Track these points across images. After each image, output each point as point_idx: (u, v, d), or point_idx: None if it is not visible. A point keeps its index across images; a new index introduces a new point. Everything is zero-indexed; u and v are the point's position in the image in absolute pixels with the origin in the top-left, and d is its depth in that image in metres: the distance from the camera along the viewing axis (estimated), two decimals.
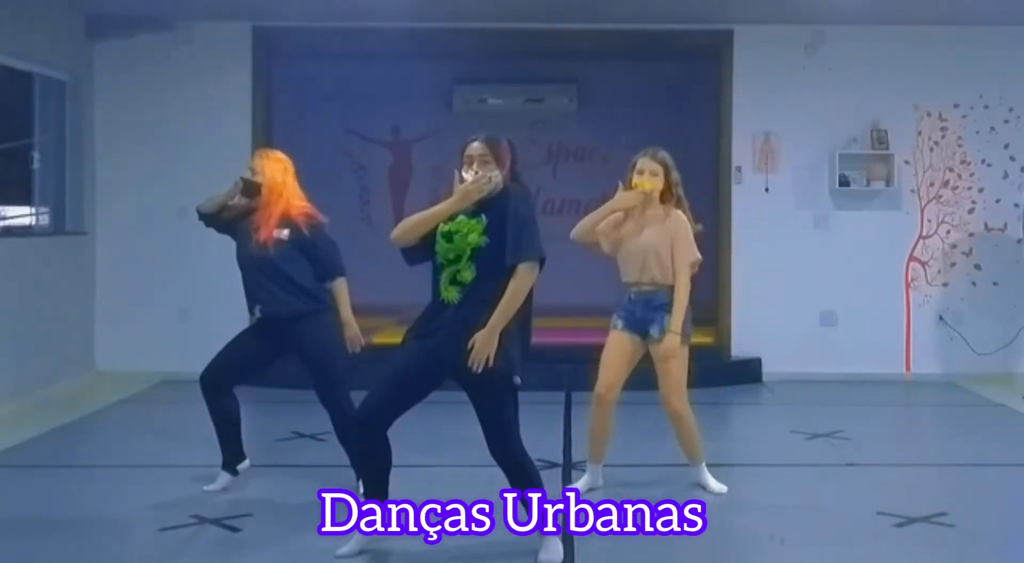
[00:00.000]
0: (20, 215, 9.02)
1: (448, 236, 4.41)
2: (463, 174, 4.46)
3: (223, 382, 5.57)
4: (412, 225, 4.49)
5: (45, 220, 8.94)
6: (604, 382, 5.49)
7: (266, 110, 9.33)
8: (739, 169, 9.29)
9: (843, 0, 8.18)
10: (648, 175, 5.46)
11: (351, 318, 5.54)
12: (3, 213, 9.04)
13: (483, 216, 4.40)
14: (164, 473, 6.13)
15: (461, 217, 4.42)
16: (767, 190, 9.28)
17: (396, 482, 4.64)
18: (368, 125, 11.52)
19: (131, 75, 9.15)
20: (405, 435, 4.64)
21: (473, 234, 4.38)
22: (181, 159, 9.11)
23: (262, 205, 5.54)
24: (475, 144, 4.47)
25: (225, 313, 9.14)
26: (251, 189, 5.57)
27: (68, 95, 8.90)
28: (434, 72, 11.15)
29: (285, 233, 5.48)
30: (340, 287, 5.56)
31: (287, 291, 5.49)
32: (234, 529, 5.00)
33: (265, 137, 9.30)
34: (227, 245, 9.36)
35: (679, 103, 10.73)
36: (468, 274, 4.38)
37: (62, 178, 8.91)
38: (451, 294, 4.39)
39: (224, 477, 5.65)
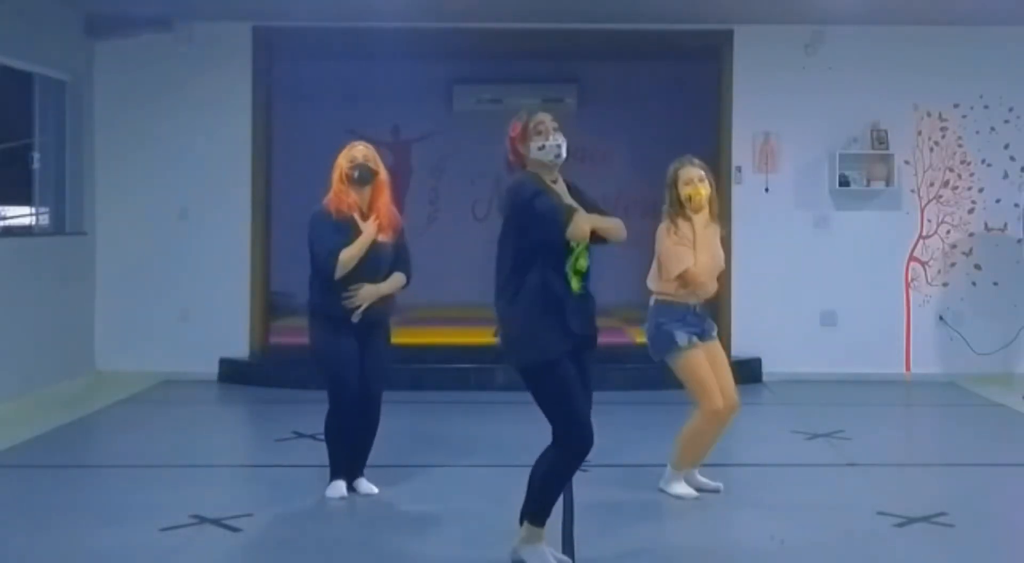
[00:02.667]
0: (20, 215, 9.02)
1: None
2: (539, 141, 4.30)
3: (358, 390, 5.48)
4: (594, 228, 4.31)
5: (45, 220, 8.94)
6: (719, 395, 5.41)
7: (266, 110, 9.33)
8: (739, 169, 9.29)
9: (843, 0, 8.18)
10: (697, 182, 5.44)
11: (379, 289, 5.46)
12: (3, 213, 9.04)
13: (574, 203, 4.33)
14: (164, 473, 6.13)
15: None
16: (767, 190, 9.28)
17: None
18: (368, 125, 11.50)
19: (131, 75, 9.15)
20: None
21: None
22: (181, 159, 9.12)
23: (373, 201, 5.45)
24: (544, 113, 4.38)
25: (225, 313, 9.18)
26: (367, 176, 5.43)
27: (68, 95, 8.90)
28: (434, 72, 11.16)
29: (391, 235, 5.47)
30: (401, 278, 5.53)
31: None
32: (234, 529, 5.00)
33: (265, 137, 9.32)
34: (227, 246, 9.37)
35: (679, 103, 10.73)
36: (585, 261, 4.33)
37: (62, 178, 8.91)
38: (576, 284, 4.31)
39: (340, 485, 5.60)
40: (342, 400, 5.41)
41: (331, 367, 5.42)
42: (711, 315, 5.64)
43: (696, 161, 5.53)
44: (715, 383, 5.41)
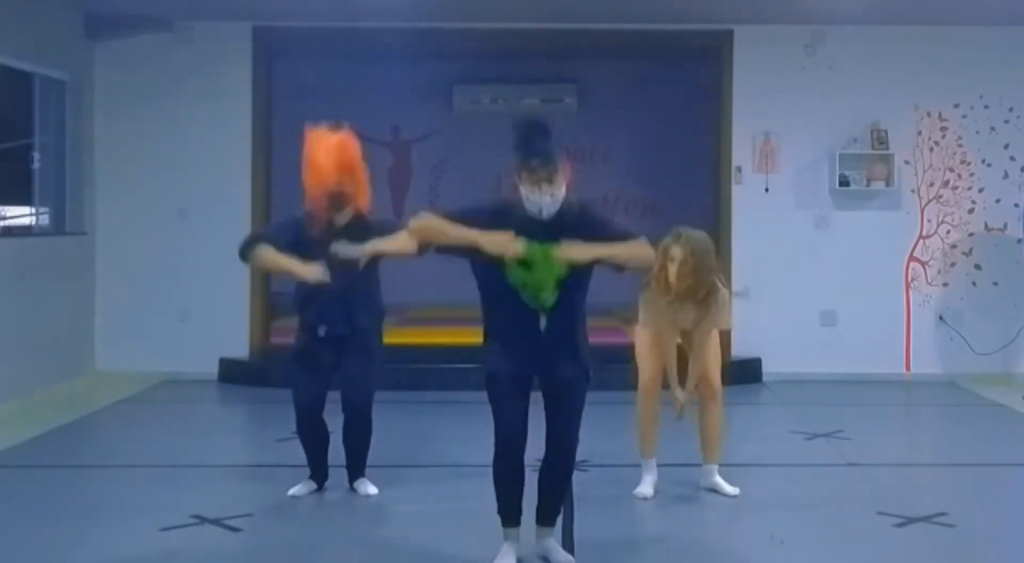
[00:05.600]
0: (20, 215, 9.02)
1: (526, 264, 4.24)
2: (525, 191, 4.25)
3: (320, 408, 5.49)
4: (434, 233, 4.48)
5: (45, 220, 8.94)
6: (648, 374, 5.50)
7: (266, 110, 9.33)
8: (739, 169, 9.29)
9: (843, 0, 8.18)
10: (678, 264, 5.22)
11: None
12: (3, 213, 9.04)
13: (560, 242, 4.24)
14: (164, 473, 6.13)
15: (536, 243, 4.22)
16: (767, 190, 9.28)
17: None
18: (368, 125, 11.46)
19: (131, 75, 9.15)
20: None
21: (557, 265, 4.22)
22: (181, 159, 9.12)
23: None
24: (540, 163, 4.22)
25: (225, 313, 9.18)
26: (341, 203, 5.45)
27: (68, 95, 8.89)
28: (434, 72, 11.17)
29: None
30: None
31: (369, 304, 5.49)
32: (234, 529, 5.00)
33: (265, 137, 9.32)
34: (227, 245, 9.34)
35: (679, 103, 10.74)
36: (552, 298, 4.27)
37: (62, 178, 8.91)
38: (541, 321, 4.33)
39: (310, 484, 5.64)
40: (296, 411, 5.51)
41: (290, 378, 5.58)
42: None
43: (683, 238, 5.23)
44: (653, 362, 5.48)
